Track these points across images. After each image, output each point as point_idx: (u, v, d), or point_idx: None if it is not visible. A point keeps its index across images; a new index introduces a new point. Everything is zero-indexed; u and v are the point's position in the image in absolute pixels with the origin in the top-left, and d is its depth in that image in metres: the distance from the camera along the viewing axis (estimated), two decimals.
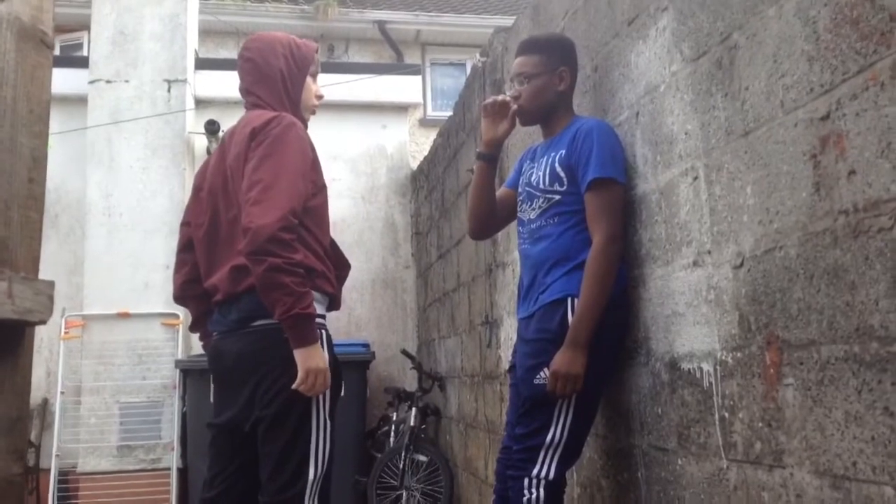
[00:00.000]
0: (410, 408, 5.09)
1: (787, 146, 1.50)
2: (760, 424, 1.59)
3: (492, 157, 2.46)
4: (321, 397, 2.11)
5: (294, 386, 2.03)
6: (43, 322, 1.39)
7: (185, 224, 2.40)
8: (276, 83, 2.30)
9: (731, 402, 1.69)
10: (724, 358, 1.72)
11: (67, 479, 5.32)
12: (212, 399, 2.35)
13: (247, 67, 2.32)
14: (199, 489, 4.74)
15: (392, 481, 4.85)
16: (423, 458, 4.86)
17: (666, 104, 1.97)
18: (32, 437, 5.39)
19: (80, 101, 5.81)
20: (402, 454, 4.84)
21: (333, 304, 2.31)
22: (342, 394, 5.42)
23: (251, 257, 2.01)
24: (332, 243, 2.34)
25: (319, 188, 2.26)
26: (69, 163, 5.85)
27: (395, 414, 5.40)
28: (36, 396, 5.66)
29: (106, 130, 5.76)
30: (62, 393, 5.39)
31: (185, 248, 2.39)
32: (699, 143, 1.81)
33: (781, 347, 1.52)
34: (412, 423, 4.95)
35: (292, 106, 2.31)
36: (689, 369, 1.87)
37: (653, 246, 2.06)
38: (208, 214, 2.26)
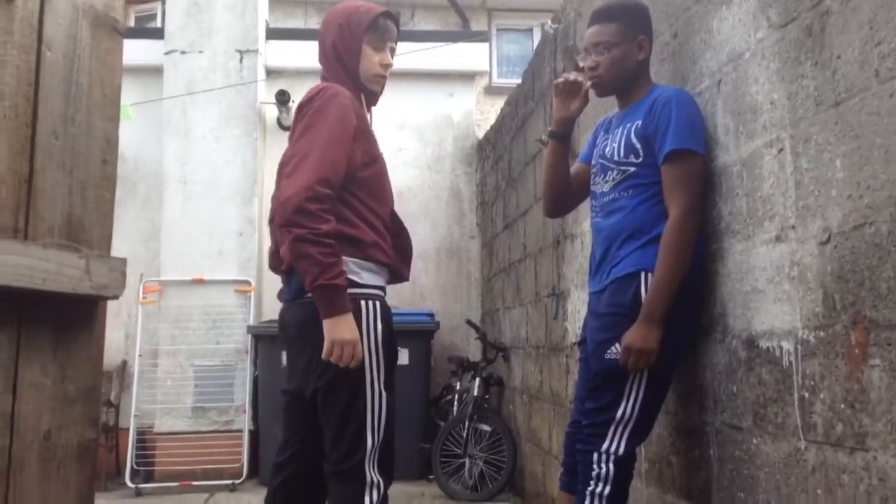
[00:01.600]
0: (474, 378, 5.12)
1: (882, 118, 1.43)
2: (843, 406, 1.54)
3: (564, 136, 2.42)
4: (375, 368, 2.11)
5: (323, 356, 2.05)
6: (116, 297, 1.46)
7: (274, 198, 2.48)
8: (330, 56, 2.29)
9: (812, 382, 1.64)
10: (805, 337, 1.67)
11: (145, 439, 5.56)
12: (284, 365, 2.42)
13: (318, 42, 2.33)
14: (269, 450, 4.90)
15: (456, 449, 4.90)
16: (486, 427, 4.90)
17: (750, 72, 1.90)
18: (112, 397, 5.63)
19: (155, 71, 5.96)
20: (466, 423, 4.89)
21: (396, 275, 2.31)
22: (408, 362, 5.47)
23: (281, 229, 2.08)
24: (393, 214, 2.32)
25: (372, 158, 2.23)
26: (146, 133, 6.03)
27: (458, 383, 5.44)
28: (115, 358, 5.91)
29: (182, 101, 5.90)
30: (140, 356, 5.62)
31: (272, 219, 2.46)
32: (786, 113, 1.74)
33: (868, 327, 1.46)
34: (476, 393, 4.99)
35: (351, 77, 2.27)
36: (767, 347, 1.82)
37: (732, 220, 2.00)
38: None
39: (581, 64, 2.34)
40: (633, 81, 2.26)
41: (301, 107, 2.18)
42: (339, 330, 2.03)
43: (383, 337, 2.14)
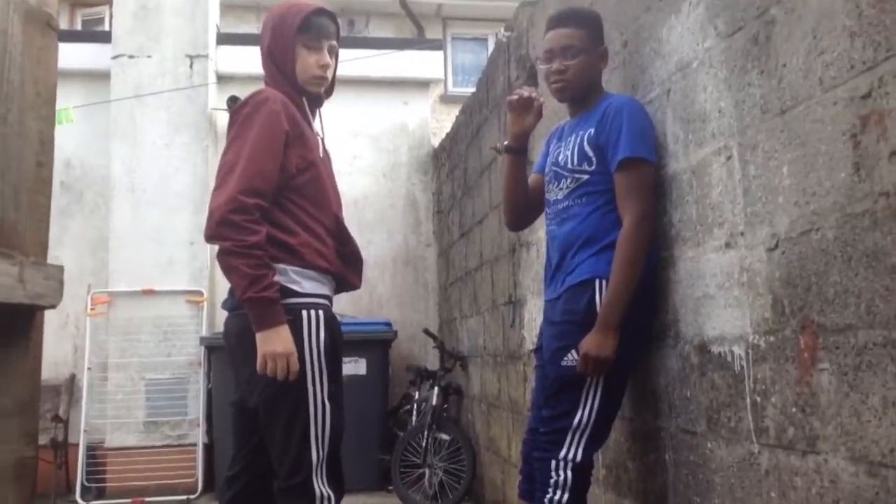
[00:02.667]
0: (432, 387, 5.09)
1: (826, 125, 1.45)
2: (794, 409, 1.56)
3: (520, 150, 2.44)
4: (318, 380, 2.06)
5: (258, 370, 2.00)
6: (53, 306, 1.39)
7: None
8: (267, 60, 2.24)
9: (763, 387, 1.66)
10: (756, 342, 1.69)
11: (95, 454, 5.41)
12: None
13: (260, 47, 2.29)
14: (225, 464, 4.80)
15: (415, 459, 4.87)
16: (445, 436, 4.88)
17: (699, 81, 1.92)
18: (61, 411, 5.46)
19: (102, 76, 5.84)
20: (425, 433, 4.85)
21: (343, 283, 2.25)
22: (366, 372, 5.39)
23: (210, 243, 2.05)
24: (338, 221, 2.25)
25: (308, 164, 2.16)
26: (93, 139, 5.89)
27: (417, 393, 5.41)
28: (63, 372, 5.74)
29: (129, 106, 5.78)
30: (89, 369, 5.47)
31: None
32: (733, 121, 1.77)
33: (817, 332, 1.48)
34: (434, 402, 4.96)
35: (289, 81, 2.21)
36: (719, 352, 1.84)
37: (683, 227, 2.02)
38: None
39: (542, 66, 2.33)
40: (591, 90, 2.27)
41: (232, 115, 2.14)
42: (271, 343, 1.98)
43: (326, 347, 2.07)
